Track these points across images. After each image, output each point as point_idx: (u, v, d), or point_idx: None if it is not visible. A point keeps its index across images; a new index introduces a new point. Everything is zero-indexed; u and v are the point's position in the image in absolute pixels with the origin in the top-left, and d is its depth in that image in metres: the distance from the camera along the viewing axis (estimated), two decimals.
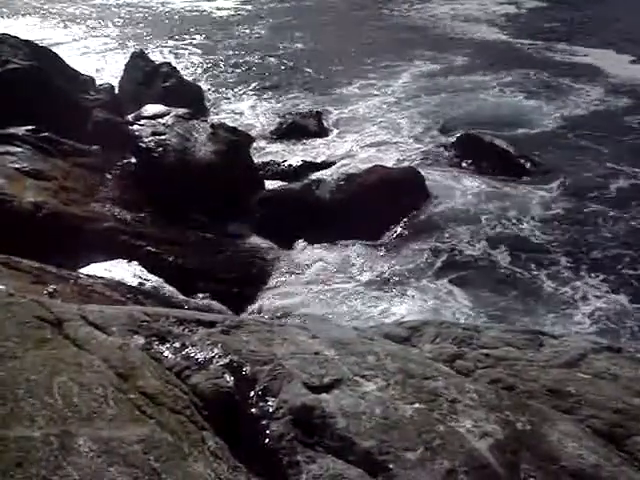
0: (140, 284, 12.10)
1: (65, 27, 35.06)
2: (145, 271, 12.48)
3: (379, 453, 3.92)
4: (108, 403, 3.70)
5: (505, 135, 19.14)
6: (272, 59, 28.49)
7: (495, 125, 20.11)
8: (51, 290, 9.14)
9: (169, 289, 12.17)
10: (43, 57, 20.83)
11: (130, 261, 12.63)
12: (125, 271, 12.45)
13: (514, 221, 14.86)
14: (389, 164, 17.04)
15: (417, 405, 4.31)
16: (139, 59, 23.49)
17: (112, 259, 12.60)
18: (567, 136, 19.72)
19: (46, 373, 3.77)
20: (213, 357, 4.59)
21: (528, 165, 17.06)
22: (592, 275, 13.02)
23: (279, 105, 22.78)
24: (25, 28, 33.83)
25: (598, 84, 23.91)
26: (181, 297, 11.98)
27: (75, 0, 42.59)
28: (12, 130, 15.52)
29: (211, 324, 5.14)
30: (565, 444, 4.16)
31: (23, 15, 38.18)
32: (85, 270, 11.96)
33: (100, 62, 27.89)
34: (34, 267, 9.86)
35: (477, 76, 25.00)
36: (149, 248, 12.93)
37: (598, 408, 4.57)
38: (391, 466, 3.86)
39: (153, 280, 12.33)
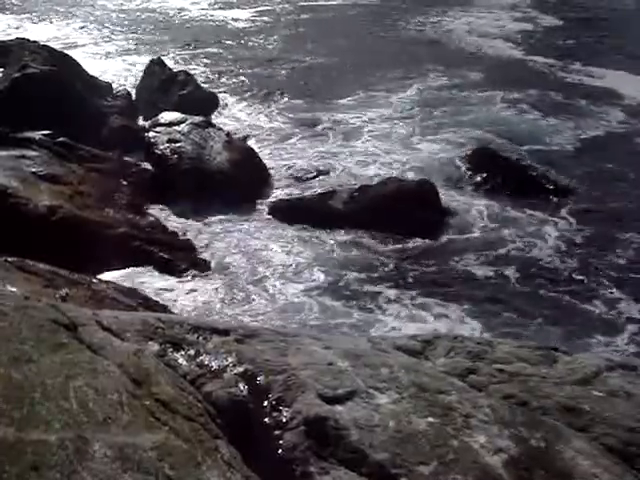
0: (152, 290, 12.12)
1: (84, 32, 35.21)
2: (158, 277, 12.51)
3: (392, 466, 3.91)
4: (123, 409, 3.71)
5: (520, 153, 19.04)
6: (285, 69, 28.49)
7: (509, 142, 19.90)
8: (63, 294, 9.16)
9: (179, 295, 12.19)
10: (61, 62, 20.98)
11: (143, 266, 12.67)
12: (137, 276, 12.49)
13: (528, 241, 14.62)
14: (400, 176, 16.91)
15: (431, 419, 4.30)
16: (156, 66, 23.57)
17: (125, 264, 12.65)
18: (584, 157, 19.38)
19: (62, 377, 3.78)
20: (227, 366, 4.59)
21: (545, 184, 16.71)
22: (609, 297, 12.85)
23: (292, 114, 22.74)
24: (45, 32, 34.06)
25: (615, 106, 23.45)
26: (190, 303, 11.99)
27: (95, 4, 42.83)
28: (29, 134, 15.62)
29: (225, 332, 5.14)
30: (579, 462, 4.13)
31: (44, 19, 38.42)
32: (98, 275, 12.00)
33: (117, 68, 28.00)
34: (47, 271, 9.90)
35: (490, 92, 24.65)
36: (162, 254, 12.95)
37: (612, 426, 4.54)
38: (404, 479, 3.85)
39: (165, 285, 12.37)
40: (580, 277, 13.51)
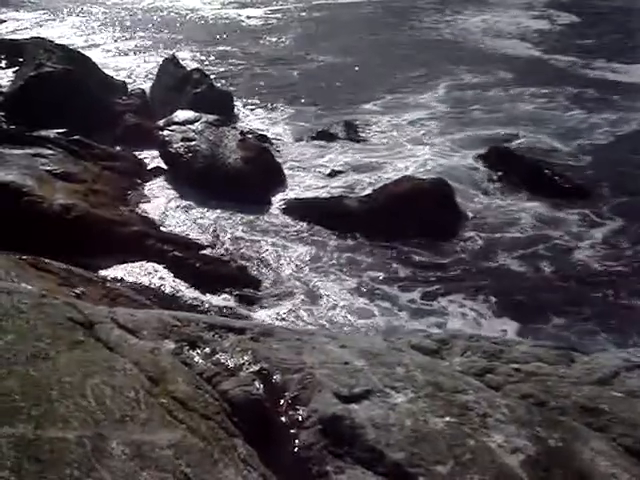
0: (165, 288, 12.14)
1: (98, 30, 35.41)
2: (171, 275, 12.52)
3: (409, 465, 3.89)
4: (140, 407, 3.71)
5: (553, 149, 19.12)
6: (301, 69, 28.41)
7: (549, 138, 19.83)
8: (78, 292, 9.19)
9: (193, 293, 12.19)
10: (76, 61, 21.08)
11: (157, 265, 12.68)
12: (151, 275, 12.51)
13: (545, 240, 14.48)
14: (418, 175, 16.78)
15: (447, 418, 4.27)
16: (171, 64, 23.60)
17: (139, 263, 12.67)
18: (621, 152, 19.19)
19: (79, 375, 3.78)
20: (243, 364, 4.59)
21: (563, 183, 16.33)
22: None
23: (308, 114, 22.69)
24: (59, 30, 34.26)
25: None
26: (205, 301, 11.98)
27: (109, 3, 43.02)
28: (44, 132, 15.70)
29: (241, 331, 5.13)
30: (597, 462, 4.09)
31: (59, 18, 38.64)
32: (112, 273, 12.04)
33: (132, 66, 28.08)
34: (61, 269, 9.93)
35: (517, 90, 24.31)
36: (176, 253, 12.96)
37: (631, 427, 4.49)
38: (421, 479, 3.82)
39: (178, 284, 12.36)
40: (605, 279, 13.23)
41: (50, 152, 14.96)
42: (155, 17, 39.44)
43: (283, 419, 4.22)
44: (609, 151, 19.31)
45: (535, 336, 11.04)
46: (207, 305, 11.80)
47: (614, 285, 13.01)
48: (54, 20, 38.19)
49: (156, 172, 16.93)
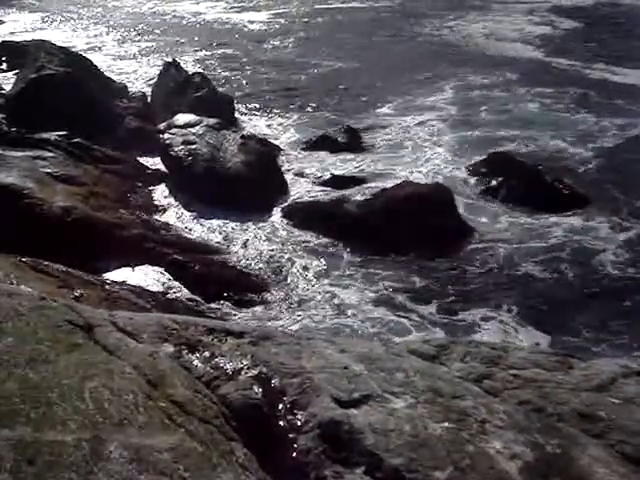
0: (164, 291, 12.14)
1: (99, 33, 35.48)
2: (170, 278, 12.51)
3: (407, 471, 3.88)
4: (138, 410, 3.70)
5: (561, 152, 19.19)
6: (303, 74, 28.37)
7: (549, 141, 19.98)
8: (77, 294, 9.20)
9: (192, 297, 12.18)
10: (78, 64, 21.13)
11: (157, 268, 12.67)
12: (150, 278, 12.50)
13: (539, 249, 14.43)
14: (419, 180, 16.74)
15: (446, 424, 4.27)
16: (172, 68, 23.61)
17: (139, 265, 12.67)
18: (629, 156, 19.16)
19: (78, 378, 3.78)
20: (242, 368, 4.58)
21: (562, 190, 16.21)
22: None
23: (310, 119, 22.65)
24: (61, 33, 34.32)
25: None
26: (204, 305, 11.98)
27: (108, 7, 43.07)
28: (45, 135, 15.71)
29: (240, 334, 5.12)
30: (595, 469, 4.09)
31: (60, 20, 38.70)
32: (111, 275, 12.04)
33: (133, 70, 28.12)
34: (61, 271, 9.95)
35: (520, 91, 24.45)
36: (176, 256, 12.96)
37: (629, 433, 4.49)
38: None
39: (177, 287, 12.36)
40: (623, 286, 13.22)
41: (51, 154, 14.98)
42: (157, 21, 39.49)
43: (282, 423, 4.22)
44: (618, 155, 19.30)
45: (566, 347, 10.90)
46: (207, 309, 11.79)
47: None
48: (55, 22, 38.24)
49: (156, 175, 16.94)
